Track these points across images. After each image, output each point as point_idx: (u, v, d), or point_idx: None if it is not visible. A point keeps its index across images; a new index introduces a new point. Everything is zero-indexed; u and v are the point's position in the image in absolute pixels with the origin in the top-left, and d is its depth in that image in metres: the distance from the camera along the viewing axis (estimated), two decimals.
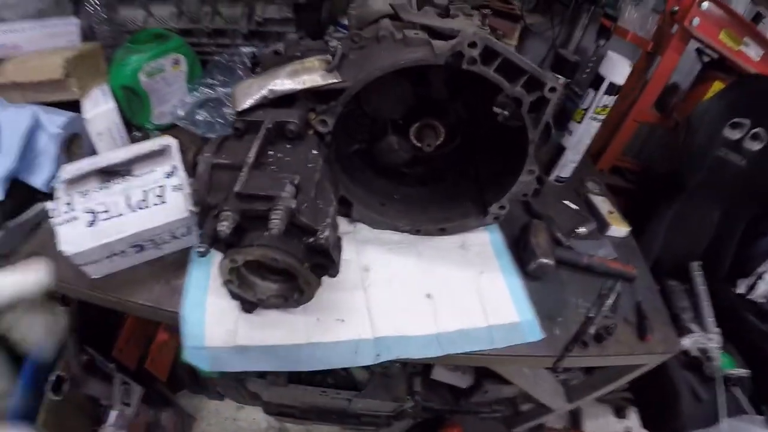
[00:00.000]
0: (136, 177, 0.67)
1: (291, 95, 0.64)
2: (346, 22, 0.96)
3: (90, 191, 0.67)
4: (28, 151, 0.78)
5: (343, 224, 0.80)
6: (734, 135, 1.02)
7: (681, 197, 1.06)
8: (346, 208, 0.78)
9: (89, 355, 0.98)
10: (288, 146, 0.61)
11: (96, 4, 0.91)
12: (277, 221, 0.49)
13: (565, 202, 1.01)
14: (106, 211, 0.65)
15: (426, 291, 0.75)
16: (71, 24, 0.88)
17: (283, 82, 0.63)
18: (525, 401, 1.23)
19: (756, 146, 1.01)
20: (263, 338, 0.65)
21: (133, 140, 0.88)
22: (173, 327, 0.72)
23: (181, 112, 0.85)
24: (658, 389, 1.00)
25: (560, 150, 1.03)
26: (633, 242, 0.98)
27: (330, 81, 0.63)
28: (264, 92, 0.62)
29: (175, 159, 0.70)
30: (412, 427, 1.26)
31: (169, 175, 0.67)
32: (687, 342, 0.97)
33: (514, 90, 0.61)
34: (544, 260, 0.79)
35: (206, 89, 0.86)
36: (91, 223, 0.65)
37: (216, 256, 0.61)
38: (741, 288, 1.07)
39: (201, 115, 0.85)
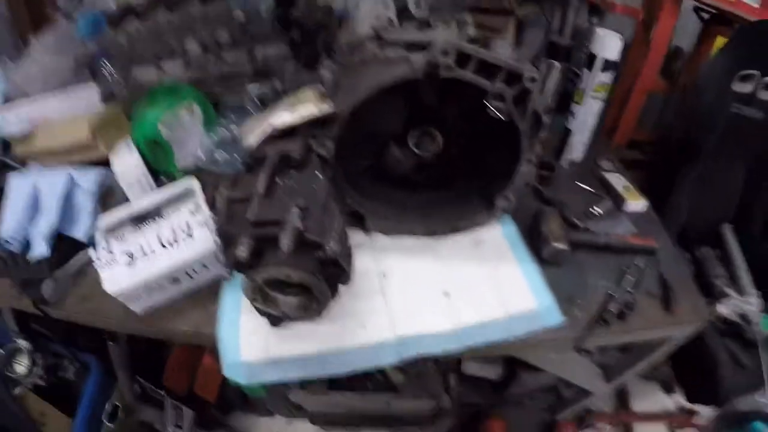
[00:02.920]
0: (165, 218, 0.78)
1: (293, 127, 0.72)
2: None
3: (125, 235, 0.78)
4: (67, 208, 0.90)
5: (359, 236, 0.87)
6: (746, 88, 1.00)
7: (699, 161, 1.06)
8: (360, 221, 0.86)
9: (141, 384, 1.10)
10: (294, 173, 0.70)
11: (111, 69, 1.03)
12: (286, 241, 0.58)
13: (579, 184, 1.04)
14: (141, 251, 0.76)
15: (443, 289, 0.80)
16: (91, 90, 1.01)
17: (282, 117, 0.72)
18: (566, 387, 1.27)
19: None
20: (293, 349, 0.73)
21: (161, 185, 0.99)
22: (216, 350, 0.82)
23: (201, 155, 0.93)
24: (698, 360, 1.00)
25: (567, 133, 1.06)
26: (653, 214, 0.99)
27: (323, 109, 0.71)
28: (266, 129, 0.71)
29: (198, 198, 0.80)
30: (457, 425, 1.32)
31: (194, 212, 0.77)
32: (723, 308, 0.98)
33: (495, 87, 0.66)
34: (557, 245, 0.83)
35: (222, 130, 0.97)
36: (130, 264, 0.75)
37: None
38: None
39: (220, 155, 0.94)
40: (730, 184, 1.10)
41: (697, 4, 1.06)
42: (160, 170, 1.00)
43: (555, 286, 0.82)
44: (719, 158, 1.06)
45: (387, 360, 0.74)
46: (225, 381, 1.30)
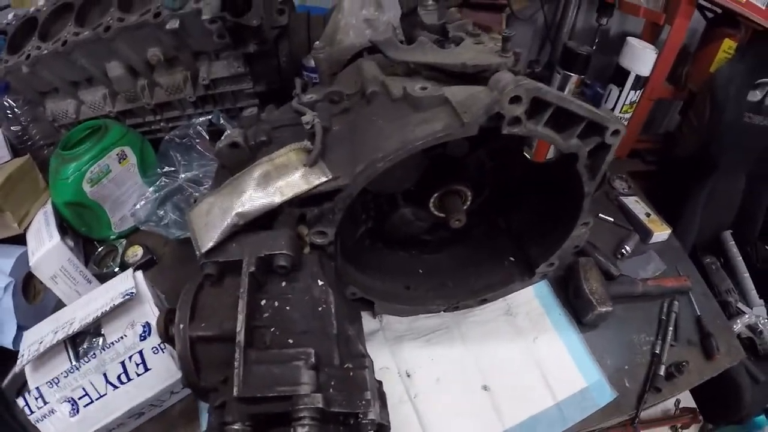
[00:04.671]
0: (107, 348, 0.49)
1: (273, 210, 0.45)
2: (312, 63, 0.74)
3: (60, 378, 0.49)
4: None
5: (368, 322, 0.64)
6: (756, 96, 0.85)
7: (713, 175, 0.90)
8: (367, 305, 0.61)
9: None
10: (283, 284, 0.43)
11: (14, 108, 0.68)
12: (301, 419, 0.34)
13: (601, 215, 0.84)
14: (86, 395, 0.48)
15: (481, 383, 0.59)
16: None
17: (253, 198, 0.44)
18: None
19: None
20: None
21: (97, 261, 0.69)
22: None
23: (142, 214, 0.65)
24: (718, 385, 0.91)
25: None
26: (676, 243, 0.83)
27: (317, 182, 0.44)
28: (230, 220, 0.43)
29: (147, 308, 0.52)
30: None
31: (144, 336, 0.49)
32: (737, 326, 0.87)
33: (569, 144, 0.44)
34: (603, 309, 0.64)
35: (164, 179, 0.67)
36: (72, 413, 0.48)
37: None
38: None
39: (166, 213, 0.66)
40: (732, 193, 0.98)
41: (701, 2, 0.87)
42: (93, 237, 0.70)
43: (599, 355, 0.65)
44: (730, 172, 0.92)
45: None
46: None
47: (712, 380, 0.87)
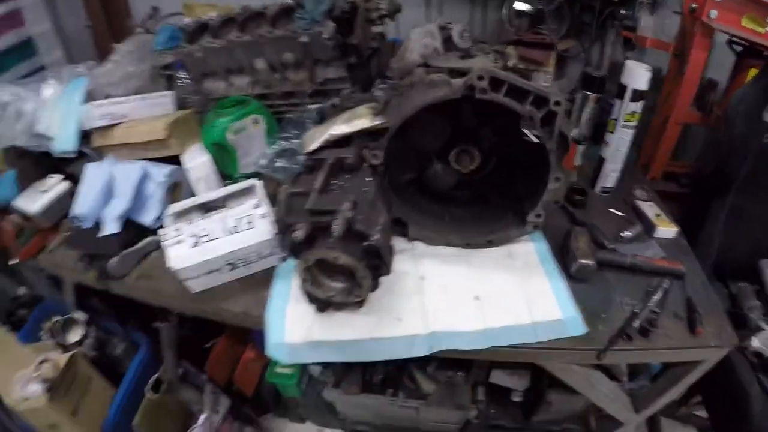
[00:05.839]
0: (229, 209, 0.95)
1: (347, 137, 0.89)
2: (390, 73, 1.23)
3: (193, 220, 0.95)
4: (138, 197, 1.09)
5: (402, 243, 1.01)
6: None
7: (731, 192, 1.13)
8: (403, 229, 0.99)
9: (184, 368, 1.26)
10: (347, 176, 0.85)
11: (186, 79, 1.24)
12: (337, 227, 0.72)
13: (612, 210, 1.16)
14: (206, 235, 0.92)
15: (475, 294, 0.92)
16: (167, 96, 1.22)
17: (340, 128, 0.88)
18: (595, 418, 1.34)
19: None
20: (333, 334, 0.86)
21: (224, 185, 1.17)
22: (260, 344, 0.95)
23: (263, 162, 1.10)
24: (729, 395, 1.07)
25: (601, 161, 1.18)
26: (683, 242, 1.08)
27: (376, 123, 0.87)
28: (326, 137, 0.88)
29: (260, 194, 0.97)
30: None
31: (256, 206, 0.94)
32: (756, 342, 1.05)
33: (524, 109, 0.80)
34: (584, 261, 0.94)
35: (282, 142, 1.12)
36: (195, 245, 0.91)
37: (294, 275, 0.87)
38: None
39: (280, 163, 1.10)
40: (765, 218, 1.15)
41: (730, 37, 1.18)
42: (224, 173, 1.18)
43: (581, 302, 0.92)
44: (752, 190, 1.13)
45: (418, 351, 0.85)
46: (262, 379, 1.47)
47: (723, 389, 1.06)
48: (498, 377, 1.32)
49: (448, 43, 1.08)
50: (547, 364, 0.98)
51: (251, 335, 1.43)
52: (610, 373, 1.20)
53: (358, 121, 0.89)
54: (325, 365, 1.39)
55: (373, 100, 0.95)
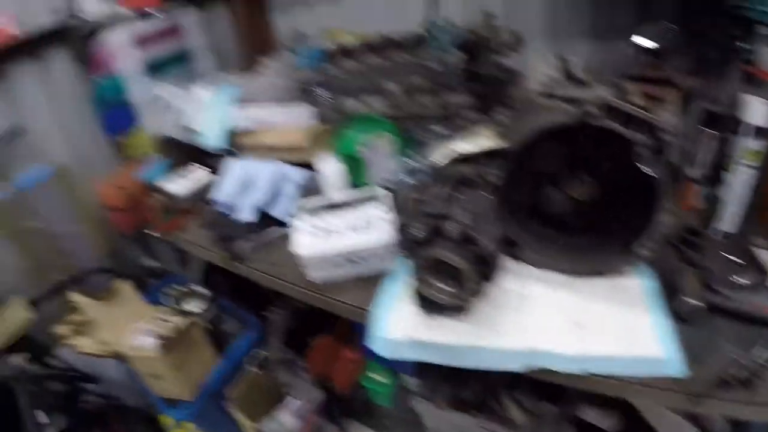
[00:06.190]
0: (355, 210, 1.12)
1: (470, 156, 1.03)
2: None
3: (322, 215, 1.13)
4: (273, 192, 1.31)
5: (509, 262, 1.10)
6: None
7: None
8: (512, 249, 1.09)
9: (287, 354, 1.45)
10: (467, 191, 0.99)
11: (323, 95, 1.47)
12: (454, 230, 0.86)
13: (726, 254, 1.17)
14: (332, 230, 1.09)
15: (576, 320, 0.99)
16: (305, 109, 1.45)
17: (465, 146, 1.03)
18: None
19: None
20: (434, 336, 0.97)
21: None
22: (363, 346, 1.07)
23: (389, 177, 1.29)
24: None
25: (718, 203, 1.18)
26: None
27: (497, 144, 1.00)
28: (451, 153, 1.02)
29: (384, 201, 1.13)
30: None
31: (380, 210, 1.10)
32: None
33: (635, 136, 0.87)
34: (691, 301, 0.98)
35: (408, 159, 1.30)
36: (321, 237, 1.09)
37: (405, 277, 1.01)
38: None
39: (404, 178, 1.26)
40: None
41: None
42: (352, 182, 1.36)
43: (683, 343, 0.93)
44: None
45: (514, 366, 0.94)
46: (356, 383, 1.61)
47: None
48: (588, 414, 1.35)
49: (567, 74, 1.19)
50: (639, 401, 1.02)
51: (355, 336, 1.57)
52: (704, 427, 1.20)
53: (481, 141, 1.02)
54: (420, 376, 1.50)
55: (496, 124, 1.09)
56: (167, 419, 1.61)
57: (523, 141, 0.97)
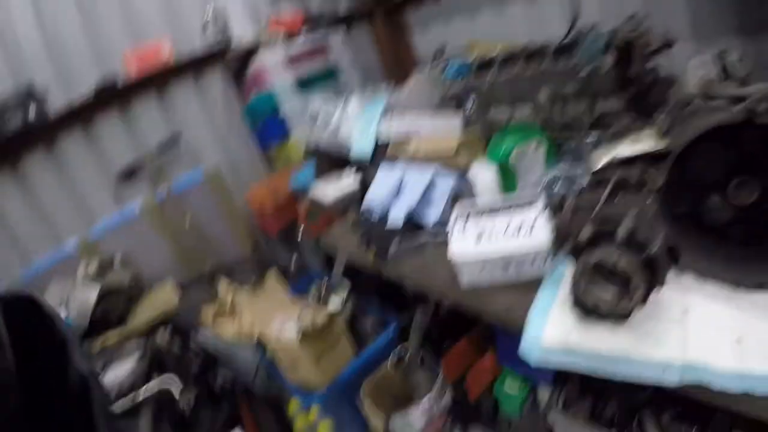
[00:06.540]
0: (512, 215, 1.19)
1: (631, 159, 1.07)
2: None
3: (479, 219, 1.22)
4: (424, 198, 1.44)
5: (670, 273, 1.09)
6: None
7: None
8: (672, 258, 1.09)
9: (425, 355, 1.57)
10: (628, 195, 1.03)
11: (472, 106, 1.60)
12: (622, 232, 0.89)
13: None
14: (488, 234, 1.17)
15: (738, 336, 0.95)
16: (456, 119, 1.57)
17: (625, 150, 1.07)
18: None
19: None
20: (590, 344, 0.99)
21: None
22: (500, 355, 1.12)
23: (540, 185, 1.34)
24: None
25: None
26: None
27: (659, 147, 1.03)
28: (611, 157, 1.08)
29: (541, 206, 1.18)
30: None
31: (537, 216, 1.15)
32: None
33: None
34: None
35: (560, 168, 1.34)
36: (477, 241, 1.17)
37: (563, 283, 1.05)
38: None
39: (556, 187, 1.32)
40: None
41: None
42: (503, 191, 1.45)
43: None
44: None
45: (670, 379, 0.93)
46: (486, 391, 1.68)
47: None
48: None
49: (724, 72, 1.18)
50: None
51: (492, 345, 1.63)
52: None
53: (641, 144, 1.06)
54: (557, 387, 1.52)
55: (654, 128, 1.12)
56: (293, 406, 1.79)
57: (686, 142, 0.97)
